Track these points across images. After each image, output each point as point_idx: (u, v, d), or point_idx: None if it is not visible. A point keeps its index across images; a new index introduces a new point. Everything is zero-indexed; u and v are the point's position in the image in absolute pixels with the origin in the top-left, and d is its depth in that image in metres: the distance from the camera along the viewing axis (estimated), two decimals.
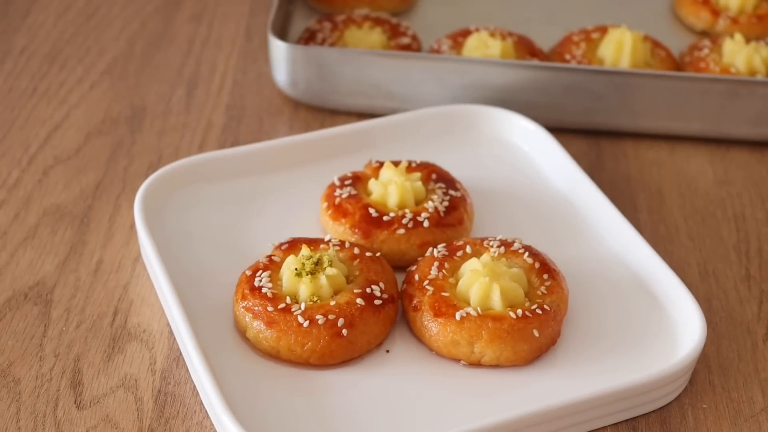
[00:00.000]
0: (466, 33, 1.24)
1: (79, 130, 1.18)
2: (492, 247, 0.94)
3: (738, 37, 1.23)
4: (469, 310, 0.88)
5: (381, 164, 1.03)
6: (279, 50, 1.17)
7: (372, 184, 1.01)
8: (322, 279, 0.90)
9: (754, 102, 1.15)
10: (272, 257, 0.94)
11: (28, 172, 1.11)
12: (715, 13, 1.32)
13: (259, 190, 1.06)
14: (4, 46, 1.31)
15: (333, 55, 1.16)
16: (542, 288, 0.91)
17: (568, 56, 1.22)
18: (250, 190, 1.05)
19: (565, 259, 0.98)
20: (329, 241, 0.95)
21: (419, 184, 1.01)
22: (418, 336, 0.91)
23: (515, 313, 0.88)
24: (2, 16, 1.36)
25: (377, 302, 0.90)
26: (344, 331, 0.87)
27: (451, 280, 0.92)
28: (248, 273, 0.92)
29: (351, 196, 1.00)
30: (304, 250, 0.92)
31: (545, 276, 0.92)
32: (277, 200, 1.05)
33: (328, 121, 1.20)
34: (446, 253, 0.94)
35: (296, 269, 0.90)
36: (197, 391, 0.88)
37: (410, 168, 1.03)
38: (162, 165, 1.11)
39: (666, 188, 1.13)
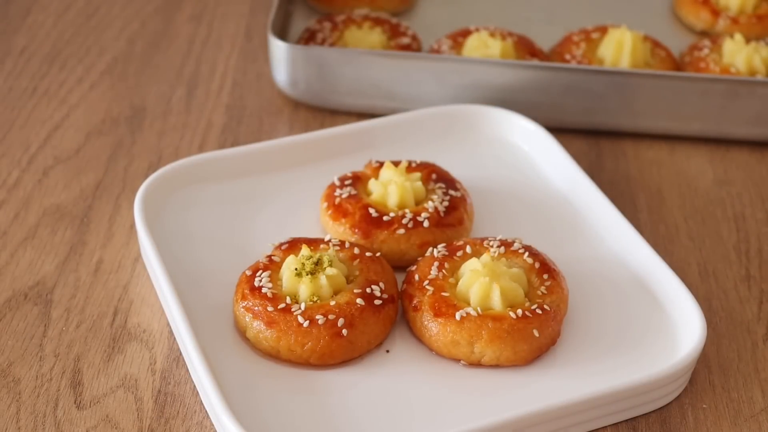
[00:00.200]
0: (466, 33, 1.24)
1: (79, 130, 1.18)
2: (492, 247, 0.94)
3: (738, 37, 1.23)
4: (469, 310, 0.88)
5: (381, 164, 1.03)
6: (279, 50, 1.17)
7: (372, 184, 1.01)
8: (322, 279, 0.90)
9: (754, 102, 1.15)
10: (272, 257, 0.94)
11: (28, 172, 1.11)
12: (715, 13, 1.32)
13: (259, 190, 1.06)
14: (4, 46, 1.31)
15: (333, 55, 1.16)
16: (542, 288, 0.91)
17: (568, 56, 1.22)
18: (250, 190, 1.05)
19: (565, 259, 0.98)
20: (329, 241, 0.95)
21: (419, 184, 1.01)
22: (418, 336, 0.91)
23: (515, 313, 0.88)
24: (2, 16, 1.36)
25: (377, 302, 0.90)
26: (344, 331, 0.87)
27: (451, 280, 0.92)
28: (248, 273, 0.92)
29: (351, 196, 1.00)
30: (304, 250, 0.92)
31: (545, 276, 0.92)
32: (277, 200, 1.05)
33: (328, 121, 1.20)
34: (446, 253, 0.94)
35: (296, 269, 0.90)
36: (197, 391, 0.88)
37: (410, 168, 1.03)
38: (162, 165, 1.11)
39: (666, 188, 1.13)
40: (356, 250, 0.94)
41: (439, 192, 1.01)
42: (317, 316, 0.88)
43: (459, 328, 0.88)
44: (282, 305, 0.89)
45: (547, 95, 1.16)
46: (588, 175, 1.08)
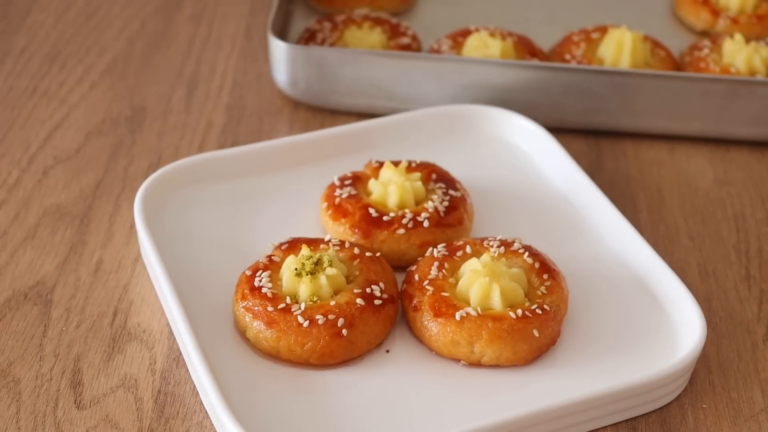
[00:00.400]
0: (466, 33, 1.24)
1: (79, 130, 1.18)
2: (492, 247, 0.94)
3: (738, 37, 1.23)
4: (469, 310, 0.88)
5: (381, 164, 1.03)
6: (279, 50, 1.17)
7: (372, 184, 1.01)
8: (322, 279, 0.90)
9: (754, 102, 1.15)
10: (272, 257, 0.94)
11: (28, 172, 1.11)
12: (715, 13, 1.32)
13: (259, 190, 1.06)
14: (4, 46, 1.31)
15: (333, 55, 1.16)
16: (542, 288, 0.91)
17: (568, 56, 1.22)
18: (250, 190, 1.05)
19: (565, 259, 0.98)
20: (329, 241, 0.95)
21: (419, 184, 1.01)
22: (418, 336, 0.91)
23: (515, 313, 0.88)
24: (2, 16, 1.36)
25: (377, 302, 0.90)
26: (344, 331, 0.87)
27: (451, 280, 0.92)
28: (248, 273, 0.92)
29: (351, 196, 1.00)
30: (304, 250, 0.92)
31: (545, 276, 0.92)
32: (277, 200, 1.05)
33: (328, 121, 1.20)
34: (446, 253, 0.94)
35: (296, 269, 0.90)
36: (197, 391, 0.88)
37: (410, 168, 1.03)
38: (162, 165, 1.11)
39: (666, 188, 1.13)
40: (356, 250, 0.94)
41: (439, 192, 1.01)
42: (317, 316, 0.88)
43: (459, 328, 0.88)
44: (282, 305, 0.89)
45: (547, 95, 1.16)
46: (588, 175, 1.08)
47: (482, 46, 1.20)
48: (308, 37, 1.24)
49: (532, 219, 1.04)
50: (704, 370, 0.92)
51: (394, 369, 0.89)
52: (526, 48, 1.23)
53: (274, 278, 0.92)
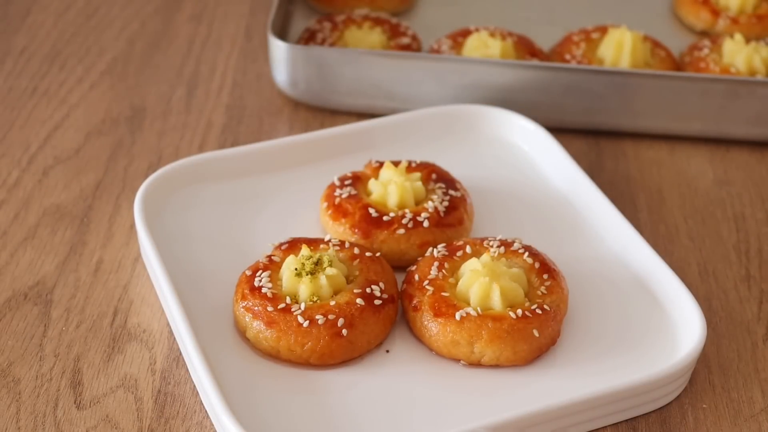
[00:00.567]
0: (466, 33, 1.24)
1: (79, 130, 1.18)
2: (492, 247, 0.94)
3: (738, 37, 1.23)
4: (469, 310, 0.88)
5: (381, 164, 1.03)
6: (279, 50, 1.17)
7: (372, 184, 1.01)
8: (322, 279, 0.90)
9: (754, 102, 1.15)
10: (272, 257, 0.94)
11: (28, 172, 1.11)
12: (715, 13, 1.32)
13: (259, 190, 1.06)
14: (4, 46, 1.31)
15: (333, 55, 1.16)
16: (542, 288, 0.91)
17: (568, 56, 1.22)
18: (250, 190, 1.05)
19: (565, 259, 0.98)
20: (329, 241, 0.95)
21: (419, 184, 1.01)
22: (418, 336, 0.91)
23: (515, 313, 0.88)
24: (2, 16, 1.36)
25: (377, 302, 0.90)
26: (344, 331, 0.87)
27: (451, 280, 0.92)
28: (248, 273, 0.92)
29: (351, 196, 1.00)
30: (304, 250, 0.92)
31: (545, 276, 0.92)
32: (277, 200, 1.05)
33: (328, 121, 1.20)
34: (446, 253, 0.94)
35: (296, 269, 0.90)
36: (197, 391, 0.88)
37: (410, 168, 1.03)
38: (162, 165, 1.11)
39: (666, 188, 1.13)
40: (356, 250, 0.94)
41: (439, 192, 1.01)
42: (317, 316, 0.88)
43: (459, 328, 0.88)
44: (282, 305, 0.89)
45: (547, 95, 1.16)
46: (588, 175, 1.08)
47: (482, 46, 1.20)
48: (308, 37, 1.24)
49: (532, 219, 1.04)
50: (704, 370, 0.92)
51: (394, 369, 0.89)
52: (526, 48, 1.23)
53: (274, 278, 0.92)
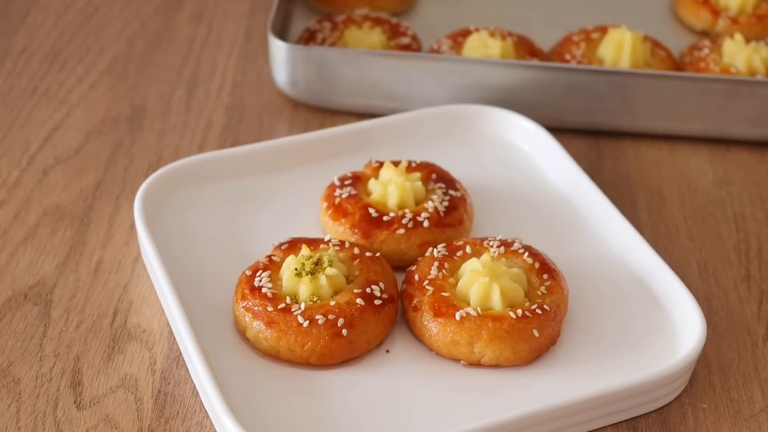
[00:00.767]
0: (466, 33, 1.24)
1: (79, 130, 1.18)
2: (492, 247, 0.94)
3: (738, 37, 1.23)
4: (469, 310, 0.88)
5: (381, 164, 1.03)
6: (279, 50, 1.17)
7: (372, 184, 1.01)
8: (322, 279, 0.90)
9: (754, 102, 1.15)
10: (272, 257, 0.94)
11: (28, 172, 1.11)
12: (715, 13, 1.32)
13: (259, 190, 1.06)
14: (4, 46, 1.31)
15: (333, 55, 1.16)
16: (542, 288, 0.91)
17: (568, 56, 1.22)
18: (250, 190, 1.05)
19: (565, 259, 0.98)
20: (329, 241, 0.95)
21: (419, 184, 1.01)
22: (418, 336, 0.91)
23: (515, 313, 0.88)
24: (2, 16, 1.36)
25: (377, 302, 0.90)
26: (344, 331, 0.87)
27: (451, 280, 0.92)
28: (248, 273, 0.92)
29: (351, 196, 1.00)
30: (304, 250, 0.92)
31: (545, 276, 0.92)
32: (277, 200, 1.05)
33: (328, 121, 1.20)
34: (446, 253, 0.94)
35: (296, 269, 0.90)
36: (197, 391, 0.88)
37: (410, 168, 1.03)
38: (162, 165, 1.11)
39: (666, 188, 1.13)
40: (356, 250, 0.94)
41: (439, 192, 1.01)
42: (317, 316, 0.88)
43: (459, 328, 0.88)
44: (282, 305, 0.89)
45: (547, 95, 1.16)
46: (588, 175, 1.08)
47: (482, 46, 1.20)
48: (308, 37, 1.24)
49: (532, 219, 1.04)
50: (704, 370, 0.92)
51: (394, 369, 0.89)
52: (526, 48, 1.23)
53: (274, 278, 0.92)
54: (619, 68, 1.18)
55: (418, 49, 1.26)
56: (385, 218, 0.98)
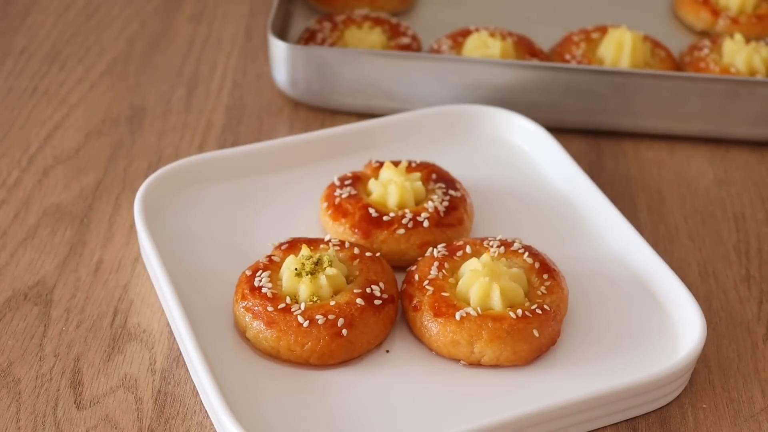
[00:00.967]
0: (466, 33, 1.24)
1: (79, 130, 1.18)
2: (492, 247, 0.94)
3: (738, 37, 1.23)
4: (469, 310, 0.88)
5: (381, 164, 1.03)
6: (279, 50, 1.17)
7: (372, 184, 1.01)
8: (322, 279, 0.90)
9: (754, 102, 1.15)
10: (272, 257, 0.94)
11: (28, 172, 1.11)
12: (715, 13, 1.32)
13: (259, 190, 1.06)
14: (4, 46, 1.31)
15: (333, 55, 1.16)
16: (542, 288, 0.91)
17: (568, 56, 1.22)
18: (250, 190, 1.05)
19: (565, 259, 0.98)
20: (329, 241, 0.95)
21: (419, 184, 1.01)
22: (418, 336, 0.91)
23: (515, 313, 0.88)
24: (2, 16, 1.36)
25: (377, 302, 0.90)
26: (344, 331, 0.87)
27: (451, 280, 0.92)
28: (248, 273, 0.92)
29: (351, 196, 1.00)
30: (304, 250, 0.92)
31: (545, 276, 0.92)
32: (277, 200, 1.05)
33: (328, 121, 1.20)
34: (446, 253, 0.94)
35: (296, 269, 0.90)
36: (197, 391, 0.88)
37: (410, 168, 1.03)
38: (162, 165, 1.11)
39: (666, 188, 1.13)
40: (356, 250, 0.94)
41: (439, 192, 1.01)
42: (317, 316, 0.88)
43: (459, 328, 0.88)
44: (282, 305, 0.89)
45: (547, 95, 1.16)
46: (588, 175, 1.08)
47: (482, 46, 1.20)
48: (308, 37, 1.24)
49: (532, 219, 1.04)
50: (704, 370, 0.92)
51: (394, 369, 0.89)
52: (526, 48, 1.23)
53: (274, 278, 0.92)
54: (619, 68, 1.18)
55: (418, 49, 1.26)
56: (385, 218, 0.98)
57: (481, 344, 0.87)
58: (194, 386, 0.88)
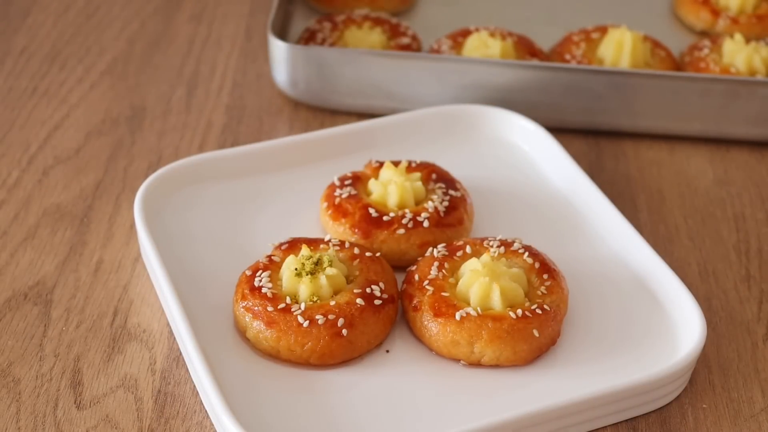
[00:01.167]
0: (466, 33, 1.24)
1: (79, 130, 1.18)
2: (492, 247, 0.94)
3: (738, 37, 1.23)
4: (469, 310, 0.88)
5: (381, 164, 1.03)
6: (279, 50, 1.17)
7: (372, 184, 1.01)
8: (322, 279, 0.90)
9: (754, 102, 1.15)
10: (272, 257, 0.94)
11: (28, 172, 1.11)
12: (715, 13, 1.32)
13: (259, 190, 1.06)
14: (4, 46, 1.31)
15: (333, 55, 1.16)
16: (542, 288, 0.91)
17: (568, 56, 1.22)
18: (250, 190, 1.05)
19: (565, 259, 0.98)
20: (329, 241, 0.95)
21: (419, 184, 1.01)
22: (418, 336, 0.91)
23: (515, 313, 0.88)
24: (2, 16, 1.36)
25: (377, 302, 0.90)
26: (344, 331, 0.87)
27: (451, 280, 0.92)
28: (248, 273, 0.92)
29: (351, 196, 1.00)
30: (304, 250, 0.92)
31: (545, 276, 0.92)
32: (277, 200, 1.05)
33: (328, 121, 1.20)
34: (446, 253, 0.94)
35: (296, 269, 0.90)
36: (197, 391, 0.88)
37: (410, 168, 1.03)
38: (162, 165, 1.11)
39: (666, 188, 1.13)
40: (356, 250, 0.94)
41: (439, 192, 1.01)
42: (317, 316, 0.88)
43: (459, 328, 0.88)
44: (282, 305, 0.89)
45: (547, 95, 1.16)
46: (588, 175, 1.08)
47: (482, 46, 1.20)
48: (308, 37, 1.24)
49: (532, 219, 1.04)
50: (704, 370, 0.92)
51: (394, 369, 0.89)
52: (526, 48, 1.23)
53: (274, 278, 0.92)
54: (619, 68, 1.18)
55: (418, 49, 1.26)
56: (385, 218, 0.98)
57: (481, 344, 0.87)
58: (194, 386, 0.88)
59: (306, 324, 0.87)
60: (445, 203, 0.99)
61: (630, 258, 0.98)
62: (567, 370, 0.89)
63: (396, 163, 1.03)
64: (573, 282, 0.96)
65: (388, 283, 0.92)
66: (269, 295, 0.90)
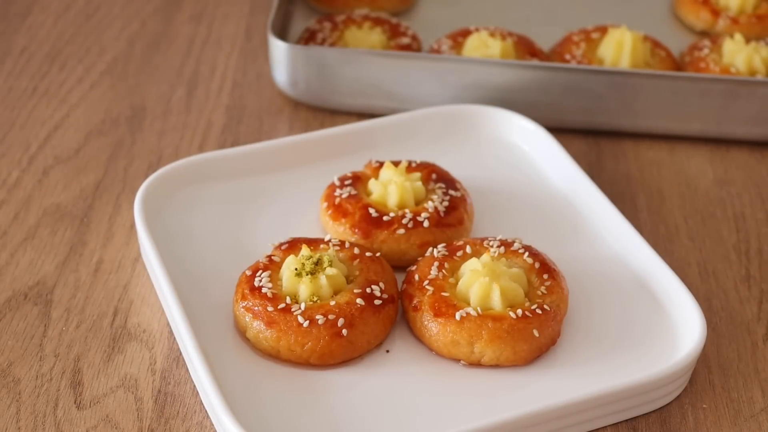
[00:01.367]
0: (466, 33, 1.24)
1: (79, 130, 1.18)
2: (492, 247, 0.94)
3: (738, 37, 1.23)
4: (469, 310, 0.88)
5: (381, 164, 1.03)
6: (279, 50, 1.17)
7: (372, 184, 1.01)
8: (322, 279, 0.90)
9: (754, 102, 1.15)
10: (272, 257, 0.94)
11: (28, 172, 1.11)
12: (715, 13, 1.32)
13: (259, 190, 1.06)
14: (4, 46, 1.31)
15: (333, 55, 1.16)
16: (542, 288, 0.91)
17: (568, 56, 1.22)
18: (250, 190, 1.05)
19: (565, 259, 0.98)
20: (329, 241, 0.95)
21: (419, 184, 1.01)
22: (418, 336, 0.91)
23: (515, 313, 0.88)
24: (2, 16, 1.36)
25: (377, 302, 0.90)
26: (344, 331, 0.87)
27: (451, 280, 0.92)
28: (248, 273, 0.92)
29: (351, 196, 1.00)
30: (304, 250, 0.92)
31: (545, 276, 0.92)
32: (277, 200, 1.05)
33: (328, 121, 1.20)
34: (446, 253, 0.94)
35: (296, 269, 0.90)
36: (197, 391, 0.88)
37: (410, 168, 1.03)
38: (162, 165, 1.11)
39: (666, 188, 1.13)
40: (356, 250, 0.94)
41: (439, 192, 1.01)
42: (317, 316, 0.88)
43: (459, 328, 0.88)
44: (282, 305, 0.89)
45: (547, 95, 1.16)
46: (588, 175, 1.08)
47: (482, 46, 1.20)
48: (308, 37, 1.24)
49: (532, 219, 1.04)
50: (704, 370, 0.92)
51: (394, 369, 0.89)
52: (526, 48, 1.23)
53: (274, 278, 0.92)
54: (619, 68, 1.18)
55: (418, 49, 1.26)
56: (385, 218, 0.98)
57: (481, 344, 0.87)
58: (194, 386, 0.88)
59: (306, 324, 0.87)
60: (445, 203, 0.99)
61: (630, 258, 0.98)
62: (567, 370, 0.89)
63: (396, 163, 1.03)
64: (573, 282, 0.96)
65: (388, 283, 0.92)
66: (269, 295, 0.90)
